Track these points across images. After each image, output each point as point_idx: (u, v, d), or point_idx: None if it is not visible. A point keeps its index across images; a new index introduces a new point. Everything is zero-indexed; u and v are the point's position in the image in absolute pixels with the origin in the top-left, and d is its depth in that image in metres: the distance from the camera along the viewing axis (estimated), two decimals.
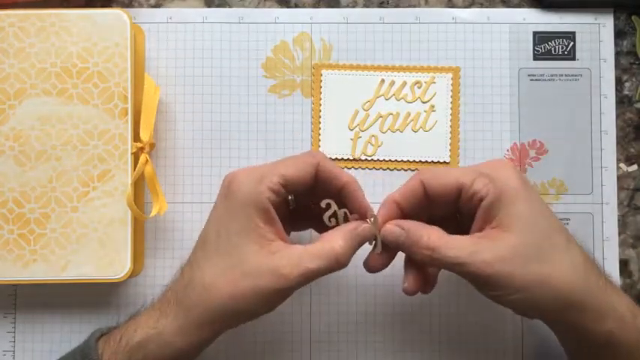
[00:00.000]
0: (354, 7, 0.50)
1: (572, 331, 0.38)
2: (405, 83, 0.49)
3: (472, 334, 0.48)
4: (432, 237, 0.38)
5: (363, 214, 0.40)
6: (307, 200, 0.41)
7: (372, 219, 0.39)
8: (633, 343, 0.37)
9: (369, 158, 0.49)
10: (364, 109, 0.49)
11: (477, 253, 0.36)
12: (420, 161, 0.49)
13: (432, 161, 0.49)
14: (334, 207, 0.40)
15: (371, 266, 0.41)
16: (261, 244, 0.37)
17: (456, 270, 0.37)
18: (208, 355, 0.44)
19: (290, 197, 0.40)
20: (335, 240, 0.38)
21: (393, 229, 0.39)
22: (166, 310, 0.39)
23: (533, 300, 0.36)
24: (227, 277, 0.37)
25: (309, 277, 0.37)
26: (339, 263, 0.37)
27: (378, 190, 0.49)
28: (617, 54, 0.50)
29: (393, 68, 0.49)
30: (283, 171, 0.38)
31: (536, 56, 0.50)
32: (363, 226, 0.39)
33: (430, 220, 0.40)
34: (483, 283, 0.37)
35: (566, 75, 0.49)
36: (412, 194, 0.40)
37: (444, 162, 0.49)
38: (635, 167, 0.50)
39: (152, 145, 0.46)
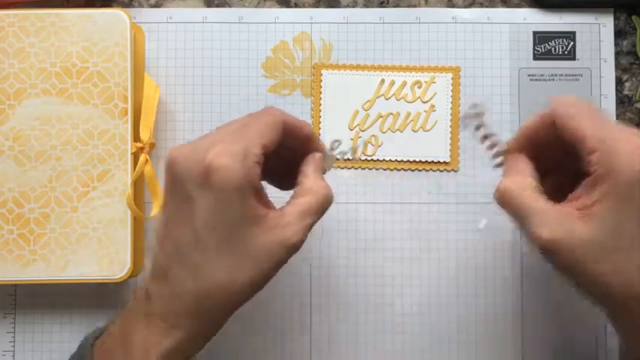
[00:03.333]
0: (354, 7, 0.50)
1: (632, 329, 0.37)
2: (405, 83, 0.49)
3: (472, 331, 0.48)
4: (524, 184, 0.37)
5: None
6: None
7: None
8: None
9: (369, 158, 0.49)
10: (364, 109, 0.49)
11: (562, 231, 0.34)
12: (420, 161, 0.49)
13: (432, 161, 0.49)
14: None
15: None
16: (260, 223, 0.35)
17: (528, 234, 0.36)
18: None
19: None
20: (318, 184, 0.37)
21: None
22: (178, 322, 0.36)
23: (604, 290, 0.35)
24: (243, 269, 0.35)
25: (311, 227, 0.36)
26: (329, 203, 0.38)
27: (377, 190, 0.49)
28: (617, 54, 0.50)
29: (393, 68, 0.49)
30: (261, 140, 0.35)
31: (536, 56, 0.50)
32: (317, 155, 0.39)
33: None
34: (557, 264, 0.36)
35: (566, 75, 0.49)
36: (541, 129, 0.38)
37: (444, 162, 0.49)
38: None
39: (152, 145, 0.46)
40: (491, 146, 0.41)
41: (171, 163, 0.35)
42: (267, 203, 0.37)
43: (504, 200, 0.37)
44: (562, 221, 0.35)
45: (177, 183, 0.35)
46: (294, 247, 0.36)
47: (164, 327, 0.36)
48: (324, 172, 0.39)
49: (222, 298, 0.36)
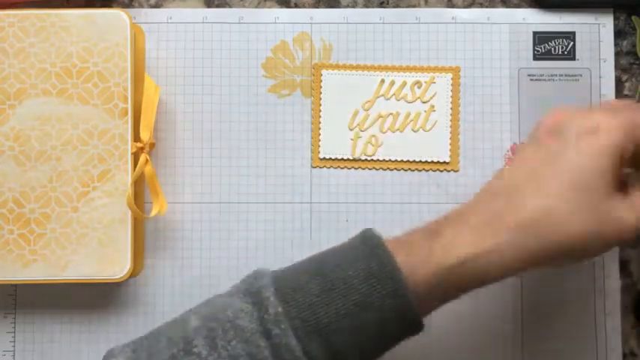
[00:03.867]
0: (354, 7, 0.50)
1: None
2: (405, 83, 0.49)
3: (473, 329, 0.48)
4: None
5: None
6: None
7: None
8: None
9: (369, 158, 0.49)
10: (364, 109, 0.49)
11: None
12: (420, 161, 0.49)
13: (432, 161, 0.49)
14: None
15: None
16: (613, 194, 0.36)
17: None
18: None
19: None
20: None
21: None
22: (498, 233, 0.35)
23: None
24: (587, 219, 0.35)
25: None
26: None
27: (377, 191, 0.49)
28: (617, 54, 0.50)
29: (393, 68, 0.49)
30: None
31: (536, 56, 0.50)
32: None
33: None
34: None
35: (566, 75, 0.49)
36: None
37: (444, 162, 0.49)
38: None
39: (152, 145, 0.46)
40: None
41: (571, 115, 0.38)
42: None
43: None
44: None
45: (563, 128, 0.38)
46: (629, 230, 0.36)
47: (477, 234, 0.36)
48: None
49: (553, 234, 0.35)
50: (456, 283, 0.36)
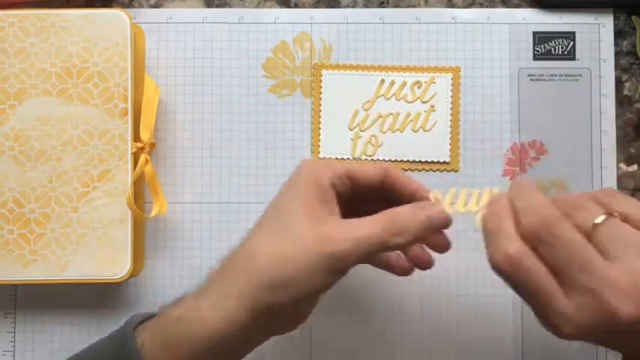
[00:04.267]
0: (354, 7, 0.50)
1: None
2: (405, 83, 0.49)
3: (472, 330, 0.48)
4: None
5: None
6: (370, 206, 0.38)
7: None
8: None
9: (369, 158, 0.49)
10: (364, 109, 0.49)
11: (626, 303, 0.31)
12: (420, 161, 0.49)
13: (432, 161, 0.49)
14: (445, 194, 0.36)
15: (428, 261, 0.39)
16: (312, 214, 0.35)
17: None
18: None
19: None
20: (393, 211, 0.35)
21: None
22: (207, 285, 0.36)
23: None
24: (273, 240, 0.35)
25: (360, 244, 0.33)
26: (392, 237, 0.34)
27: None
28: (617, 54, 0.50)
29: (393, 68, 0.49)
30: (352, 166, 0.38)
31: (536, 56, 0.50)
32: (434, 205, 0.35)
33: None
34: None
35: (566, 75, 0.49)
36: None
37: (444, 162, 0.49)
38: (635, 167, 0.50)
39: (152, 145, 0.46)
40: None
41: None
42: (333, 214, 0.37)
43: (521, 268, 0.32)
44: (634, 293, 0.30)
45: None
46: (333, 244, 0.33)
47: (198, 290, 0.37)
48: (430, 227, 0.35)
49: (245, 265, 0.35)
50: (178, 342, 0.35)
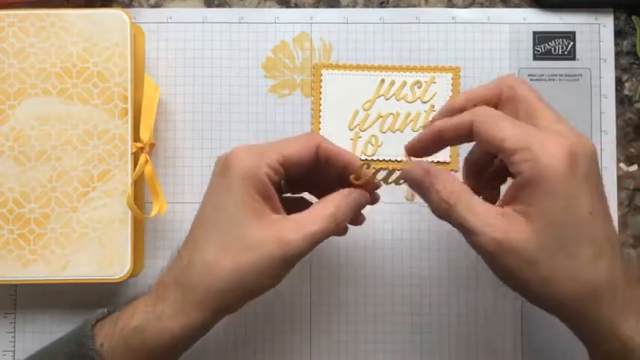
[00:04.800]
0: (354, 7, 0.50)
1: (590, 330, 0.36)
2: (405, 83, 0.49)
3: (472, 329, 0.48)
4: (454, 192, 0.35)
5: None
6: (303, 185, 0.42)
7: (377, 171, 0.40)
8: None
9: (369, 158, 0.49)
10: (364, 109, 0.49)
11: (497, 232, 0.34)
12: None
13: (432, 161, 0.49)
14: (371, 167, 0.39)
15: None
16: (261, 217, 0.37)
17: (469, 240, 0.35)
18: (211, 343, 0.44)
19: (282, 182, 0.40)
20: (331, 203, 0.38)
21: (414, 170, 0.37)
22: (164, 293, 0.38)
23: (544, 297, 0.35)
24: (229, 252, 0.36)
25: (312, 240, 0.36)
26: (337, 226, 0.37)
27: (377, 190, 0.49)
28: (617, 54, 0.50)
29: (393, 68, 0.49)
30: (282, 150, 0.38)
31: (536, 56, 0.50)
32: (357, 191, 0.39)
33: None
34: (491, 264, 0.35)
35: (566, 75, 0.49)
36: (457, 130, 0.37)
37: (444, 162, 0.49)
38: (635, 167, 0.50)
39: (152, 145, 0.46)
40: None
41: (219, 157, 0.39)
42: (277, 209, 0.38)
43: (442, 206, 0.36)
44: (505, 223, 0.34)
45: (212, 172, 0.39)
46: (289, 246, 0.36)
47: (154, 297, 0.38)
48: (357, 207, 0.39)
49: (204, 278, 0.36)
50: (140, 348, 0.37)
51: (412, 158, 0.39)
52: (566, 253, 0.34)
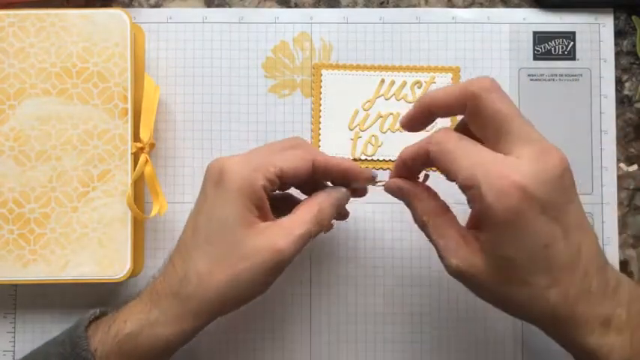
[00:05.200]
0: (354, 7, 0.50)
1: (561, 343, 0.37)
2: (405, 83, 0.49)
3: (472, 329, 0.48)
4: (425, 212, 0.38)
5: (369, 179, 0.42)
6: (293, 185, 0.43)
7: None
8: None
9: (369, 158, 0.49)
10: (364, 109, 0.49)
11: (457, 258, 0.36)
12: None
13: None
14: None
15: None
16: (252, 227, 0.37)
17: (438, 256, 0.37)
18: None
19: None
20: (315, 204, 0.39)
21: (391, 186, 0.40)
22: (159, 301, 0.38)
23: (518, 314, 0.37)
24: (223, 264, 0.37)
25: (301, 243, 0.37)
26: (322, 226, 0.39)
27: (377, 190, 0.49)
28: (617, 54, 0.50)
29: (393, 68, 0.49)
30: (279, 163, 0.38)
31: (536, 56, 0.50)
32: (337, 189, 0.41)
33: None
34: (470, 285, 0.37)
35: (566, 75, 0.49)
36: (417, 159, 0.38)
37: None
38: (635, 167, 0.50)
39: (152, 145, 0.46)
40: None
41: (209, 166, 0.39)
42: (266, 216, 0.39)
43: (419, 222, 0.39)
44: (465, 251, 0.36)
45: (204, 181, 0.39)
46: (281, 253, 0.37)
47: (148, 304, 0.38)
48: (339, 204, 0.41)
49: (200, 290, 0.37)
50: (134, 352, 0.38)
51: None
52: (518, 284, 0.34)
